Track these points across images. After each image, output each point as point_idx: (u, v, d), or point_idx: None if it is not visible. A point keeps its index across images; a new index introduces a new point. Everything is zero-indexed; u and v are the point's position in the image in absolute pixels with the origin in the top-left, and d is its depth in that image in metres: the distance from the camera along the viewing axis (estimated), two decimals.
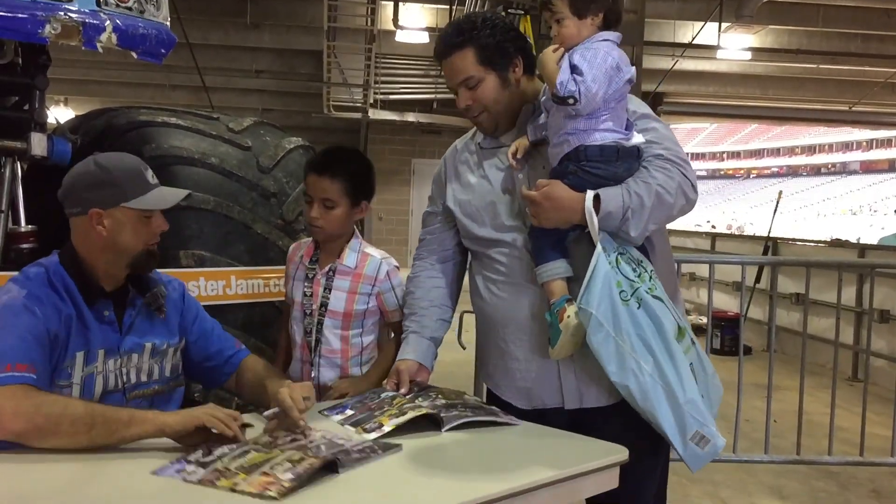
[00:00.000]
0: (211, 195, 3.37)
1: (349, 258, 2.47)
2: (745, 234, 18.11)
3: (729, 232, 20.75)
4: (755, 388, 5.41)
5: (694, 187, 2.04)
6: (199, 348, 2.19)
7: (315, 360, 2.45)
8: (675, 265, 2.34)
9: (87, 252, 1.97)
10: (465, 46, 2.14)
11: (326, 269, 2.47)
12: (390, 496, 1.59)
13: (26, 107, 3.32)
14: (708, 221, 31.65)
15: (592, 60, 1.93)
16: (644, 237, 2.04)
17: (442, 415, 1.97)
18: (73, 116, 4.12)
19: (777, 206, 9.64)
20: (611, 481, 1.88)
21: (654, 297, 2.00)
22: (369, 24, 13.03)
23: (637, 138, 2.03)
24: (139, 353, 2.03)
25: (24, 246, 3.29)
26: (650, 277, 2.02)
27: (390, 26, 13.01)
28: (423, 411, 1.97)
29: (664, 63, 13.15)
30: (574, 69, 1.92)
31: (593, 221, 1.95)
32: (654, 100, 16.61)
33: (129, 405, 1.94)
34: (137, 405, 1.95)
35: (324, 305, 2.44)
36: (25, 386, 1.73)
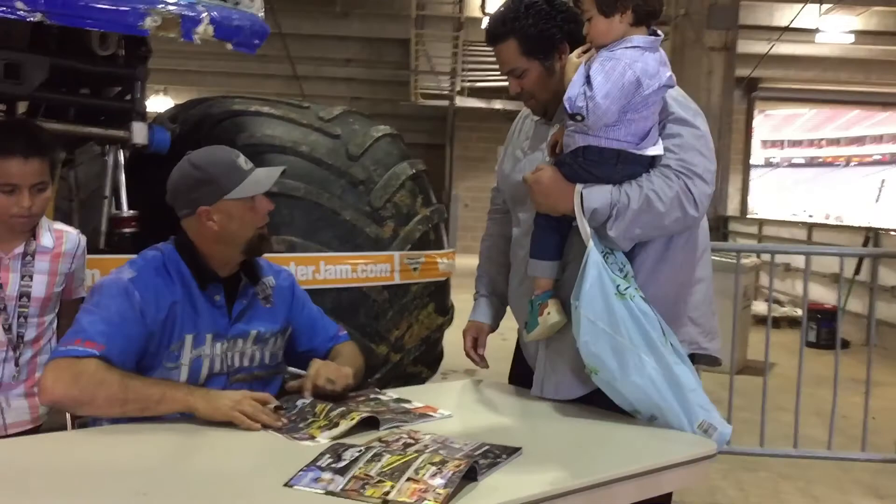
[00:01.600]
0: (301, 182, 3.45)
1: (45, 238, 2.26)
2: (844, 224, 17.43)
3: (827, 222, 20.03)
4: (852, 384, 5.21)
5: (696, 203, 1.95)
6: (303, 339, 2.25)
7: (21, 357, 2.22)
8: (711, 287, 2.21)
9: (202, 244, 2.03)
10: (507, 38, 2.09)
11: (17, 252, 2.20)
12: (479, 485, 1.60)
13: (128, 97, 3.46)
14: (805, 210, 30.67)
15: (610, 73, 1.85)
16: (630, 242, 1.99)
17: (378, 416, 1.87)
18: (172, 106, 4.27)
19: (879, 194, 9.22)
20: (697, 476, 1.84)
21: (642, 297, 1.95)
22: (457, 11, 13.04)
23: (654, 149, 1.96)
24: (244, 338, 2.09)
25: (127, 230, 3.45)
26: (635, 286, 1.96)
27: (478, 13, 12.98)
28: (358, 417, 1.81)
29: (760, 47, 12.71)
30: (588, 81, 1.85)
31: (582, 218, 1.94)
32: (749, 85, 16.14)
33: (232, 388, 2.01)
34: (238, 388, 2.01)
35: (25, 295, 2.20)
36: (75, 359, 1.82)
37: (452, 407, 2.03)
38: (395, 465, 1.53)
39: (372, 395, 2.08)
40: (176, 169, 2.05)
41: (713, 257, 2.27)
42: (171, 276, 2.00)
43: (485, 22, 13.40)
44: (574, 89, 1.85)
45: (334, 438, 1.73)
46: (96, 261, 3.06)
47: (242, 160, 2.04)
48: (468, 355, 2.34)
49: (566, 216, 2.00)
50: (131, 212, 3.46)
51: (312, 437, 1.74)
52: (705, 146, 2.01)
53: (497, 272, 2.37)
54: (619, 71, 1.84)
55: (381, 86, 16.82)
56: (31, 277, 2.20)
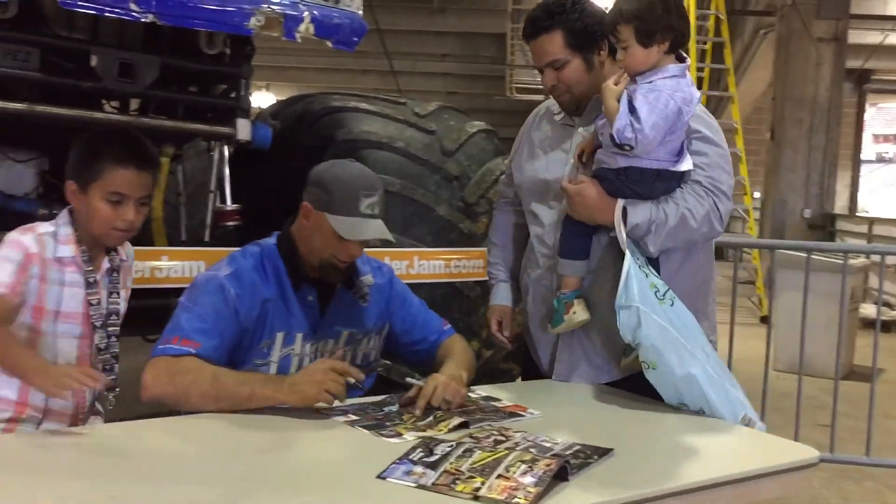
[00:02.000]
0: (396, 178, 3.49)
1: (123, 251, 2.15)
2: None
3: None
4: None
5: (721, 219, 2.13)
6: (404, 335, 2.26)
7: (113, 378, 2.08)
8: (713, 281, 2.38)
9: (298, 237, 2.08)
10: (553, 29, 2.17)
11: (105, 268, 2.07)
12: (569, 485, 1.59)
13: (233, 94, 3.57)
14: None
15: (654, 104, 1.94)
16: (659, 251, 2.13)
17: (468, 420, 1.87)
18: (274, 102, 4.38)
19: None
20: (797, 484, 1.79)
21: (674, 298, 2.08)
22: None
23: (686, 164, 2.08)
24: (335, 339, 2.12)
25: (230, 223, 3.56)
26: (669, 290, 2.08)
27: None
28: (446, 430, 1.80)
29: (872, 38, 12.13)
30: (634, 112, 1.94)
31: (621, 230, 2.06)
32: (860, 77, 15.43)
33: None
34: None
35: (114, 313, 2.09)
36: (172, 357, 1.88)
37: (541, 405, 2.02)
38: (485, 461, 1.54)
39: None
40: (330, 161, 2.09)
41: (818, 257, 2.38)
42: (266, 274, 2.04)
43: None
44: (621, 121, 1.94)
45: (420, 438, 1.73)
46: (201, 252, 3.19)
47: (366, 204, 1.99)
48: (495, 337, 2.47)
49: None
50: (235, 206, 3.57)
51: (400, 435, 1.76)
52: (728, 163, 2.19)
53: (512, 259, 2.49)
54: (662, 102, 1.95)
55: (477, 80, 16.85)
56: (118, 294, 2.10)
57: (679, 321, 2.05)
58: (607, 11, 2.08)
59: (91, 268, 2.03)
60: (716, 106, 13.46)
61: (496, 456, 1.56)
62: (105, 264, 2.07)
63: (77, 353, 2.02)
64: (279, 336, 2.03)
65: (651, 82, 1.98)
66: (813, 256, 4.25)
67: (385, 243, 2.16)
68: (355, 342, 2.15)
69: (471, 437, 1.73)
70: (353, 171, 2.04)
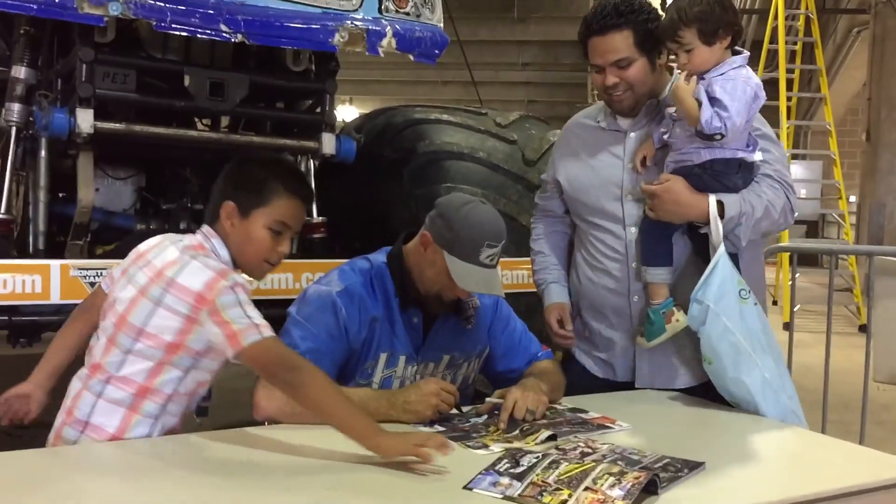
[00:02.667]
0: (479, 188, 3.50)
1: None
2: None
3: None
4: None
5: (793, 211, 2.20)
6: (504, 361, 2.22)
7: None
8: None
9: (411, 260, 2.05)
10: (624, 28, 2.18)
11: None
12: (659, 499, 1.57)
13: (318, 109, 3.65)
14: None
15: (733, 92, 2.01)
16: (744, 244, 2.16)
17: (556, 433, 1.83)
18: (358, 116, 4.46)
19: None
20: None
21: (756, 303, 2.13)
22: None
23: (758, 154, 2.15)
24: (436, 362, 2.11)
25: (317, 236, 3.64)
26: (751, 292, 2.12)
27: (658, 11, 12.65)
28: (533, 443, 1.78)
29: None
30: (715, 102, 2.00)
31: (718, 224, 2.07)
32: None
33: None
34: None
35: None
36: None
37: (630, 417, 1.99)
38: (572, 473, 1.52)
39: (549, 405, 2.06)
40: (465, 196, 2.08)
41: None
42: (375, 292, 2.03)
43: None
44: (707, 112, 2.00)
45: (508, 449, 1.72)
46: (290, 265, 3.26)
47: (486, 255, 1.96)
48: (557, 335, 2.41)
49: (674, 225, 2.16)
50: (320, 218, 3.65)
51: (486, 446, 1.75)
52: (786, 160, 2.30)
53: (559, 264, 2.50)
54: (740, 89, 2.02)
55: (558, 88, 16.78)
56: None
57: (751, 324, 2.09)
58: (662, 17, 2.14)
59: None
60: (807, 108, 13.07)
61: (583, 468, 1.54)
62: None
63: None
64: (383, 357, 2.03)
65: (723, 74, 2.05)
66: None
67: None
68: (456, 366, 2.14)
69: (557, 448, 1.72)
70: (482, 217, 1.98)
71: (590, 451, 1.70)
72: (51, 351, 2.01)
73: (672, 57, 2.19)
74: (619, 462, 1.60)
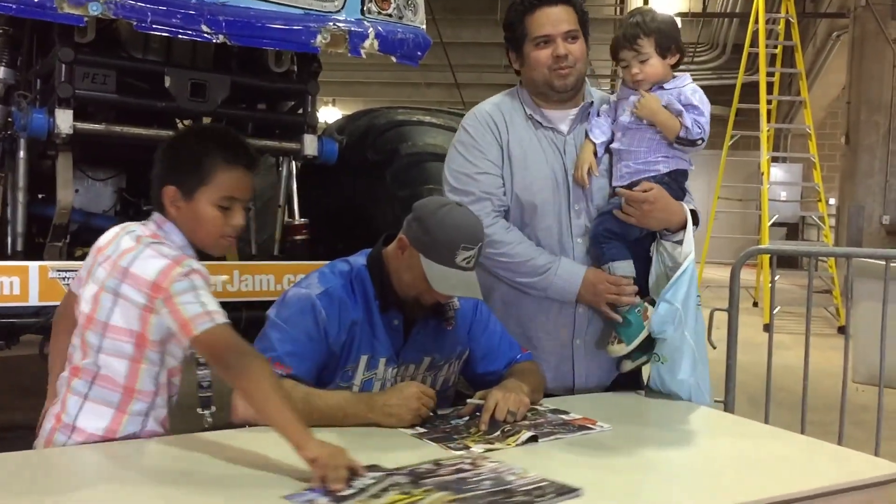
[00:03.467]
0: None
1: None
2: None
3: None
4: None
5: None
6: (484, 363, 2.21)
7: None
8: None
9: (389, 264, 2.04)
10: (568, 4, 2.27)
11: None
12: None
13: (300, 111, 3.64)
14: None
15: (702, 100, 2.19)
16: None
17: (537, 434, 1.85)
18: (340, 117, 4.46)
19: None
20: (878, 500, 1.73)
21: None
22: (618, 13, 12.83)
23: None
24: (417, 364, 2.11)
25: (298, 237, 3.62)
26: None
27: None
28: (514, 444, 1.78)
29: None
30: (692, 109, 2.17)
31: (691, 231, 2.23)
32: None
33: None
34: None
35: None
36: None
37: (610, 418, 2.00)
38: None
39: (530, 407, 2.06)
40: (437, 201, 2.04)
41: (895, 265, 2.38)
42: (355, 295, 2.02)
43: None
44: (688, 119, 2.16)
45: (489, 451, 1.73)
46: (271, 266, 3.25)
47: (463, 258, 1.93)
48: (623, 293, 2.22)
49: (634, 231, 2.24)
50: (303, 220, 3.64)
51: (467, 448, 1.75)
52: None
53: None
54: (700, 94, 2.20)
55: None
56: None
57: (700, 331, 2.26)
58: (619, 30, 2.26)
59: None
60: (787, 111, 13.17)
61: (412, 500, 1.45)
62: None
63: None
64: (363, 359, 2.02)
65: (685, 85, 2.21)
66: (892, 264, 4.10)
67: None
68: (436, 368, 2.14)
69: (436, 462, 1.64)
70: (457, 220, 1.96)
71: (469, 468, 1.62)
72: (52, 365, 1.98)
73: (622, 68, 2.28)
74: (488, 482, 1.53)
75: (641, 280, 2.27)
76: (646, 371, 2.34)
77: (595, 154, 2.27)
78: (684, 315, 2.16)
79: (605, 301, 2.23)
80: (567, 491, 1.51)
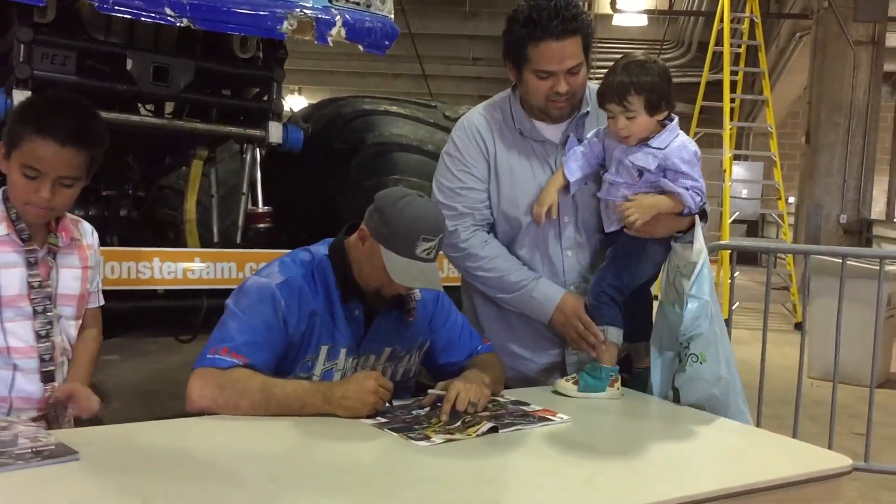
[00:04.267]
0: (427, 180, 3.48)
1: (70, 226, 1.98)
2: None
3: None
4: None
5: None
6: (444, 354, 2.21)
7: (57, 370, 1.94)
8: None
9: (351, 254, 2.03)
10: (577, 33, 2.13)
11: (46, 246, 1.92)
12: (590, 488, 1.58)
13: (265, 98, 3.61)
14: None
15: (691, 160, 2.12)
16: None
17: (497, 424, 1.85)
18: (306, 105, 4.43)
19: None
20: (831, 492, 1.76)
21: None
22: (586, 7, 12.88)
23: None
24: (377, 355, 2.09)
25: (262, 225, 3.60)
26: None
27: (607, 10, 12.78)
28: (475, 434, 1.79)
29: None
30: (683, 176, 2.11)
31: (699, 227, 2.18)
32: None
33: None
34: None
35: (49, 298, 1.92)
36: (220, 370, 1.86)
37: (570, 410, 2.01)
38: None
39: (491, 398, 2.06)
40: (400, 189, 2.02)
41: (854, 263, 2.54)
42: (315, 284, 2.00)
43: (615, 18, 13.19)
44: (688, 199, 2.11)
45: (449, 441, 1.74)
46: (233, 254, 3.22)
47: (423, 249, 1.92)
48: (586, 333, 2.18)
49: (626, 285, 2.18)
50: (266, 208, 3.61)
51: (428, 438, 1.75)
52: None
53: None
54: (692, 154, 2.14)
55: (508, 84, 16.81)
56: (67, 273, 1.94)
57: (720, 323, 2.17)
58: (612, 77, 2.10)
59: (32, 246, 1.86)
60: (750, 110, 13.35)
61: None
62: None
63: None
64: (323, 350, 2.00)
65: (669, 145, 2.11)
66: (848, 262, 4.18)
67: None
68: (397, 359, 2.13)
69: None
70: (418, 211, 1.94)
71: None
72: None
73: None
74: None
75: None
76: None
77: (568, 189, 2.19)
78: (715, 309, 2.11)
79: (570, 337, 2.21)
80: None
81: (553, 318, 2.23)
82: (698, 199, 2.12)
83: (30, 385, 1.88)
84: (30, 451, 1.52)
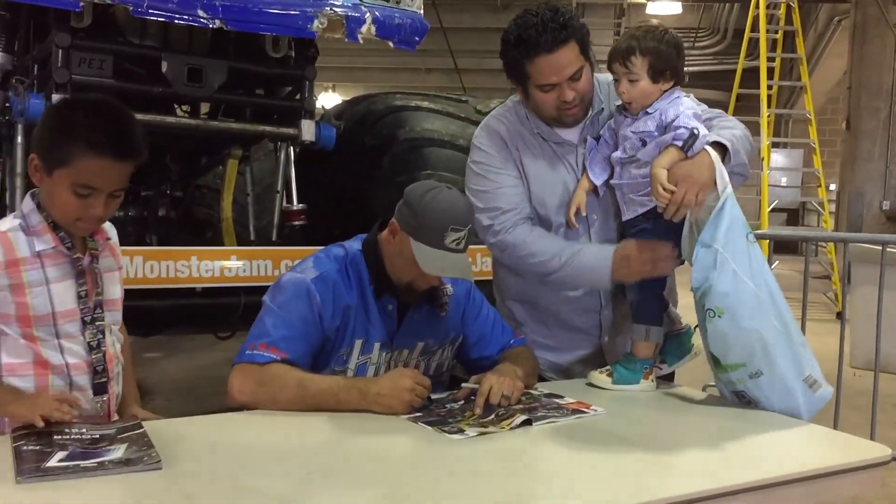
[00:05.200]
0: (459, 175, 3.48)
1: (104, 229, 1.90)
2: None
3: None
4: None
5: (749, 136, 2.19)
6: (477, 349, 2.22)
7: (111, 381, 1.87)
8: None
9: (383, 249, 2.05)
10: (570, 39, 2.11)
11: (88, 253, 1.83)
12: (631, 484, 1.58)
13: (298, 96, 3.64)
14: None
15: (677, 102, 2.03)
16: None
17: (531, 417, 1.85)
18: (339, 103, 4.46)
19: None
20: (871, 482, 1.74)
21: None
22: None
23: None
24: (410, 350, 2.11)
25: (297, 223, 3.63)
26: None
27: None
28: (508, 427, 1.79)
29: None
30: (678, 117, 2.01)
31: (721, 168, 2.00)
32: None
33: None
34: None
35: (100, 306, 1.84)
36: (259, 365, 1.89)
37: (605, 402, 2.01)
38: None
39: (524, 390, 2.06)
40: (429, 183, 2.03)
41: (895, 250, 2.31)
42: (349, 279, 2.02)
43: (649, 7, 13.05)
44: (669, 135, 2.01)
45: (483, 434, 1.75)
46: (269, 252, 3.26)
47: (452, 239, 1.93)
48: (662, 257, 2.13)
49: (662, 281, 2.15)
50: (301, 205, 3.64)
51: (461, 431, 1.76)
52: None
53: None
54: (686, 102, 2.07)
55: None
56: (107, 279, 1.86)
57: (762, 269, 1.96)
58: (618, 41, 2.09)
59: (76, 255, 1.77)
60: (788, 97, 13.14)
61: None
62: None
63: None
64: (358, 343, 2.03)
65: (669, 102, 2.05)
66: (889, 250, 4.11)
67: None
68: (430, 353, 2.15)
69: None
70: (445, 202, 1.95)
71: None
72: None
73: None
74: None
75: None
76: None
77: (596, 192, 2.18)
78: (728, 254, 1.92)
79: (645, 268, 2.12)
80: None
81: (615, 269, 2.14)
82: (682, 130, 1.98)
83: (86, 404, 1.79)
84: (118, 458, 1.50)
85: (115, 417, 1.86)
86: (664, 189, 1.96)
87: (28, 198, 1.79)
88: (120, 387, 1.91)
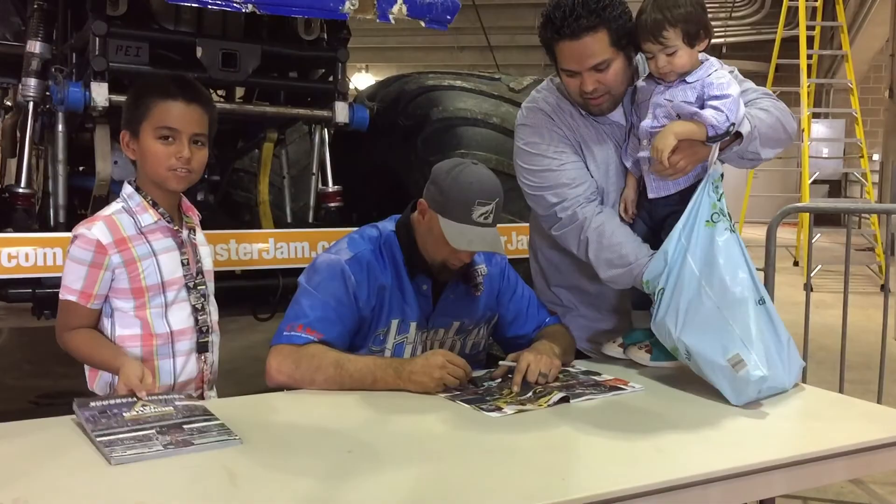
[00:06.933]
0: (493, 154, 3.49)
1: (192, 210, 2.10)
2: None
3: None
4: None
5: (793, 118, 2.20)
6: (513, 327, 2.24)
7: (211, 345, 2.05)
8: None
9: (416, 228, 2.06)
10: (600, 28, 2.00)
11: (185, 226, 2.03)
12: (670, 454, 1.58)
13: (331, 78, 3.65)
14: None
15: (725, 85, 1.97)
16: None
17: (568, 394, 1.86)
18: (372, 83, 4.46)
19: None
20: None
21: (733, 232, 2.00)
22: None
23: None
24: (446, 329, 2.14)
25: (332, 205, 3.65)
26: (731, 225, 2.01)
27: None
28: (546, 405, 1.81)
29: None
30: (713, 99, 1.95)
31: (714, 149, 1.99)
32: None
33: None
34: None
35: (201, 272, 2.03)
36: (296, 346, 1.93)
37: (642, 379, 2.01)
38: None
39: (562, 369, 2.08)
40: (452, 162, 2.01)
41: None
42: (384, 260, 2.05)
43: None
44: (706, 115, 1.93)
45: (521, 412, 1.76)
46: (306, 234, 3.28)
47: (479, 213, 1.94)
48: None
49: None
50: (336, 187, 3.66)
51: (499, 409, 1.78)
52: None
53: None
54: (728, 80, 1.99)
55: None
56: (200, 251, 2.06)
57: (711, 252, 1.95)
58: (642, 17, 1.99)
59: (177, 227, 1.99)
60: (829, 66, 12.85)
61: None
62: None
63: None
64: (394, 323, 2.05)
65: (709, 75, 2.00)
66: None
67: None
68: (465, 332, 2.16)
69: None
70: (471, 177, 1.96)
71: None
72: None
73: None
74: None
75: None
76: None
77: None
78: (676, 265, 1.96)
79: None
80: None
81: None
82: (722, 119, 1.92)
83: (189, 364, 2.00)
84: (196, 433, 1.60)
85: (211, 381, 2.05)
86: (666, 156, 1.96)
87: (126, 184, 1.98)
88: (216, 356, 2.07)
